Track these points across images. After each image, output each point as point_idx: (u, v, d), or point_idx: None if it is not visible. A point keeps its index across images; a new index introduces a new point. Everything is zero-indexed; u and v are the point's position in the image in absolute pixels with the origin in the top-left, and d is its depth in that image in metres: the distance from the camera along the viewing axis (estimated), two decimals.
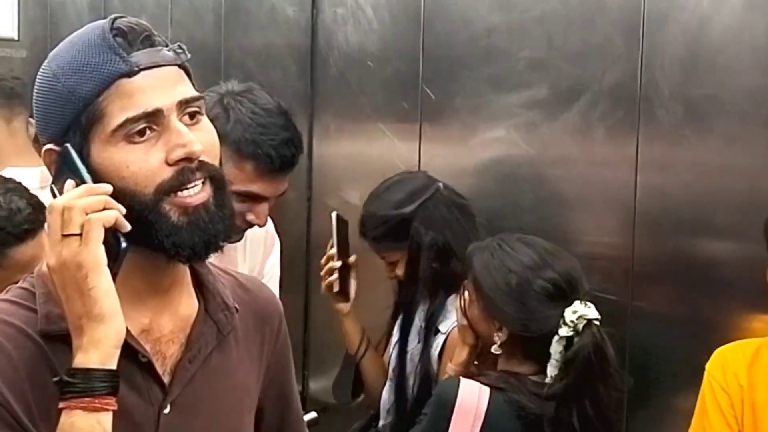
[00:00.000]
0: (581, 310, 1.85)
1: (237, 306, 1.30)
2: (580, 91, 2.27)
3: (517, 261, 1.91)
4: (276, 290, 2.34)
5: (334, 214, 2.43)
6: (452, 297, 2.21)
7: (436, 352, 2.22)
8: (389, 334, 2.41)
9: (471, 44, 2.48)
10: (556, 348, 1.85)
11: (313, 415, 2.66)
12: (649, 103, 2.16)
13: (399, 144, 2.65)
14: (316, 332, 2.93)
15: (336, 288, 2.42)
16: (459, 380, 1.90)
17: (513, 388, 1.86)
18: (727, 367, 1.86)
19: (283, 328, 1.40)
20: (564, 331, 1.84)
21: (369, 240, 2.35)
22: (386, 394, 2.35)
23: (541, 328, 1.86)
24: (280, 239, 2.34)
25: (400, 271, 2.31)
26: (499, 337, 1.93)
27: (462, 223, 2.27)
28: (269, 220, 2.32)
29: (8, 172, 2.22)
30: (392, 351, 2.34)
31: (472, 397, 1.86)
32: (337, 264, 2.41)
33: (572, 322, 1.84)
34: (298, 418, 1.46)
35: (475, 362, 2.04)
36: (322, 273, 2.45)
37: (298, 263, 2.86)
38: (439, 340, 2.21)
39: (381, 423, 2.36)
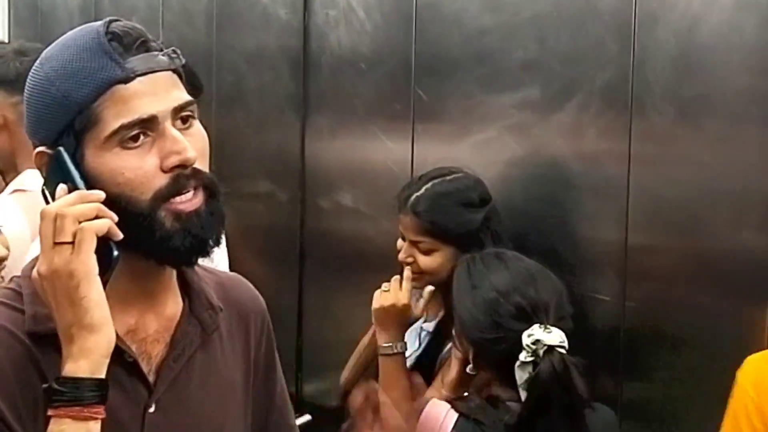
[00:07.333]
0: (538, 334, 1.73)
1: (221, 305, 1.30)
2: (572, 92, 2.27)
3: (486, 281, 1.85)
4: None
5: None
6: None
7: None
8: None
9: (463, 45, 2.48)
10: (520, 374, 1.74)
11: (307, 417, 2.66)
12: (640, 104, 2.16)
13: (391, 145, 2.65)
14: (309, 334, 2.93)
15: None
16: (429, 401, 1.85)
17: (488, 420, 1.75)
18: (762, 383, 1.65)
19: (266, 326, 1.40)
20: (524, 356, 1.73)
21: (420, 218, 2.19)
22: None
23: (497, 349, 1.78)
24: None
25: (430, 262, 2.20)
26: (470, 356, 1.87)
27: (497, 241, 2.22)
28: None
29: (28, 175, 2.23)
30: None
31: (436, 419, 1.79)
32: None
33: (529, 346, 1.72)
34: (282, 415, 1.44)
35: (467, 392, 1.92)
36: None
37: (291, 265, 2.85)
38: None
39: None
